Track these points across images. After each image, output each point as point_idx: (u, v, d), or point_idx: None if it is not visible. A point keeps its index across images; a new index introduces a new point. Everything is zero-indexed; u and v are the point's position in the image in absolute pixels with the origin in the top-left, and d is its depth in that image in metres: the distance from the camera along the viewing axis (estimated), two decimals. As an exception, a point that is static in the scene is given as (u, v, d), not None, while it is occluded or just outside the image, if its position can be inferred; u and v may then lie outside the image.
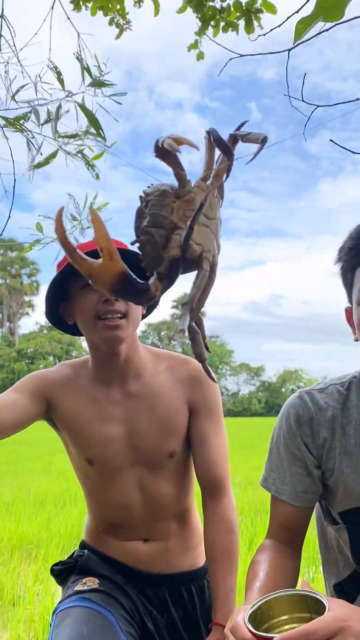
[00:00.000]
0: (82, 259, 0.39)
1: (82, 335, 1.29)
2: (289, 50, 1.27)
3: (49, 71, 1.30)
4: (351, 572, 1.05)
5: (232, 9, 3.06)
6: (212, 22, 3.14)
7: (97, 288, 0.40)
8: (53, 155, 1.40)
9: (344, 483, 0.99)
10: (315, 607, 0.77)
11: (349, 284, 1.00)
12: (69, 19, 1.92)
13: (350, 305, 1.02)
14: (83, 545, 1.37)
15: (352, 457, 0.98)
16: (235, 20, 3.11)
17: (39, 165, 1.43)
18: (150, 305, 1.26)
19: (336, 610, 0.72)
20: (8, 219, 1.63)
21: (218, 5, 3.06)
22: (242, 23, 3.14)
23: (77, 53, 1.35)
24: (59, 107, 1.30)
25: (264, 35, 1.53)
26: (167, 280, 0.41)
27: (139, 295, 0.40)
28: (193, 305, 0.40)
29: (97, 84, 1.26)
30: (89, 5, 2.82)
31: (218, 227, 0.44)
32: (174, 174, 0.41)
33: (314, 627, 0.68)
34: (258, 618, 0.78)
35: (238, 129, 0.45)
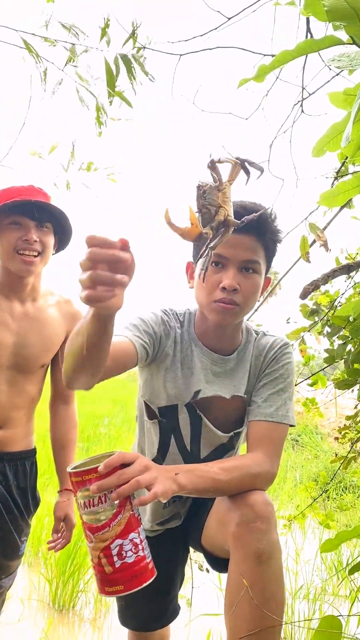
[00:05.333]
0: (178, 227, 0.77)
1: None
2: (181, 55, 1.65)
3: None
4: (158, 446, 1.34)
5: None
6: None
7: (185, 240, 0.79)
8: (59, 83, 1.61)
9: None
10: None
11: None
12: None
13: (192, 260, 1.31)
14: None
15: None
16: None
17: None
18: (59, 246, 1.56)
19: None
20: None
21: None
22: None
23: (136, 23, 1.53)
24: (85, 50, 1.49)
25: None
26: (216, 231, 0.82)
27: (204, 240, 0.80)
28: (212, 244, 0.82)
29: (118, 94, 1.49)
30: None
31: (231, 204, 0.86)
32: (217, 179, 0.81)
33: (124, 455, 0.96)
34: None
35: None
